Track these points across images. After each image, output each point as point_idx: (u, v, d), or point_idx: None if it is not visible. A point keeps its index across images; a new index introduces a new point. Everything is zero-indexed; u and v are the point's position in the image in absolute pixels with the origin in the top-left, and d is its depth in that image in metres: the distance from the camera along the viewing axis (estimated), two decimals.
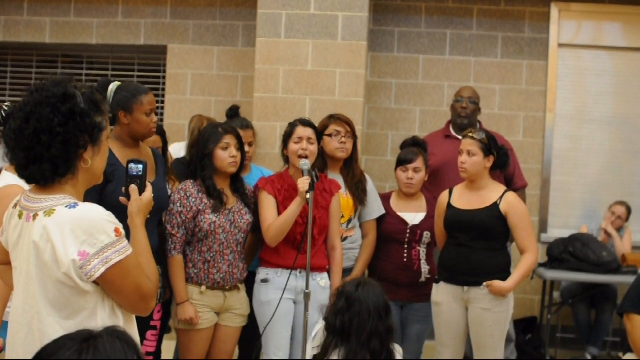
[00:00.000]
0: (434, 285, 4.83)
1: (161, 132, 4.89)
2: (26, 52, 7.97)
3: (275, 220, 4.37)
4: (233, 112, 5.09)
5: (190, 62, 7.63)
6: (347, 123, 4.95)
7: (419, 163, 5.01)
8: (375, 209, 5.02)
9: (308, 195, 4.18)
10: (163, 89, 7.76)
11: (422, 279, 4.99)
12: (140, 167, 2.80)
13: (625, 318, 4.25)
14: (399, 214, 5.02)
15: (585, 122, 7.56)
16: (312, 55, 6.68)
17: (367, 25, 6.73)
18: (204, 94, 7.55)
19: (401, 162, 5.05)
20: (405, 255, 4.99)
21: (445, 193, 4.88)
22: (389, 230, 4.99)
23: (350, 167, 4.98)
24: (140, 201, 2.73)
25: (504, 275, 4.66)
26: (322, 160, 4.87)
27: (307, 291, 4.16)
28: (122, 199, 2.79)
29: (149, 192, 2.77)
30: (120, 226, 2.43)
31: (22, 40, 7.78)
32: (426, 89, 7.50)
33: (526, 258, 4.66)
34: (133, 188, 2.75)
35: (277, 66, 6.70)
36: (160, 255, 4.22)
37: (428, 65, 7.51)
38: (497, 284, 4.56)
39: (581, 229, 7.13)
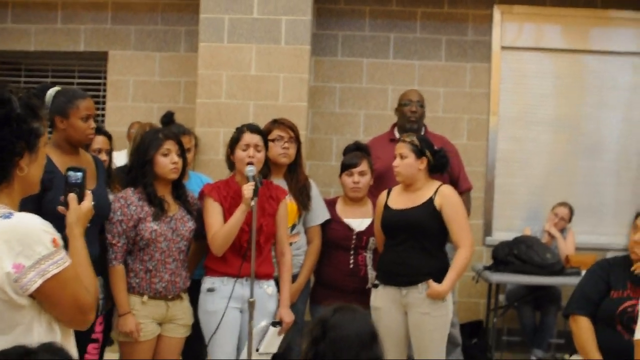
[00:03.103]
0: (373, 290, 4.77)
1: (108, 135, 4.78)
2: None
3: (220, 229, 4.29)
4: (168, 119, 4.99)
5: (131, 68, 7.54)
6: (291, 128, 4.90)
7: (364, 167, 4.98)
8: (319, 214, 4.97)
9: (253, 202, 4.12)
10: (104, 96, 7.64)
11: (369, 285, 4.92)
12: (80, 175, 2.72)
13: (571, 319, 4.27)
14: (345, 220, 4.97)
15: (528, 124, 7.60)
16: (255, 60, 6.63)
17: (310, 29, 6.69)
18: (146, 101, 7.46)
19: (346, 167, 5.01)
20: (352, 261, 4.95)
21: (384, 194, 4.86)
22: (335, 237, 4.95)
23: (294, 172, 4.94)
24: (79, 210, 2.65)
25: (441, 277, 4.59)
26: (266, 166, 4.79)
27: (251, 300, 4.11)
28: (60, 208, 2.71)
29: (88, 201, 2.69)
30: (58, 236, 2.34)
31: None
32: (370, 93, 7.48)
33: (460, 254, 4.61)
34: (72, 196, 2.66)
35: (220, 71, 6.64)
36: (102, 265, 4.12)
37: (372, 68, 7.49)
38: (434, 285, 4.53)
39: (525, 231, 7.15)
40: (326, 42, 7.46)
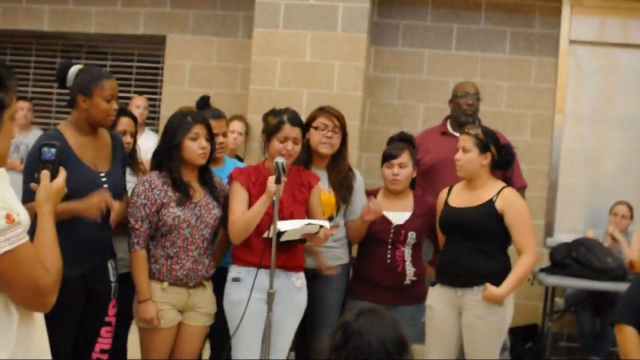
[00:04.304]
0: (430, 288, 4.62)
1: (133, 117, 4.69)
2: (25, 40, 7.88)
3: (240, 216, 4.15)
4: (203, 103, 4.89)
5: (189, 52, 7.50)
6: (336, 116, 4.71)
7: (404, 158, 4.78)
8: (360, 208, 4.78)
9: (274, 197, 3.94)
10: (161, 80, 7.62)
11: (407, 281, 4.76)
12: (54, 150, 2.63)
13: (617, 329, 4.00)
14: (384, 213, 4.78)
15: (595, 121, 7.29)
16: (310, 47, 6.54)
17: (368, 17, 6.56)
18: (202, 86, 7.38)
19: (386, 158, 4.83)
20: (389, 255, 4.75)
21: (445, 191, 4.67)
22: (372, 230, 4.77)
23: (336, 163, 4.76)
24: (49, 187, 2.54)
25: (501, 279, 4.38)
26: (307, 154, 4.66)
27: (270, 291, 3.95)
28: (32, 185, 2.62)
29: (60, 179, 2.58)
30: (15, 212, 2.22)
31: (21, 28, 7.69)
32: (431, 85, 7.27)
33: (522, 260, 4.40)
34: (44, 173, 2.56)
35: (274, 57, 6.56)
36: (113, 248, 4.09)
37: (433, 60, 7.29)
38: (491, 289, 4.33)
39: (587, 234, 6.86)
40: (387, 32, 7.27)
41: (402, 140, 4.94)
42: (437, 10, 7.26)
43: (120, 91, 7.41)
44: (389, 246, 4.76)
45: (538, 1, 7.16)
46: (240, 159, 5.88)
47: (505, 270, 4.43)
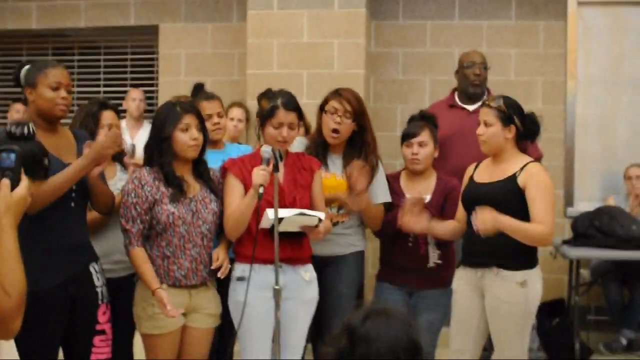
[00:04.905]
0: (456, 270, 4.41)
1: (115, 109, 4.45)
2: (15, 39, 7.71)
3: (233, 211, 3.91)
4: (197, 91, 4.72)
5: (183, 41, 7.30)
6: (348, 100, 4.39)
7: (424, 137, 4.56)
8: (379, 193, 4.53)
9: (261, 190, 3.72)
10: (157, 71, 7.43)
11: (431, 263, 4.56)
12: (13, 156, 2.32)
13: None
14: (406, 194, 4.56)
15: (610, 85, 7.02)
16: (307, 27, 6.33)
17: None
18: (199, 74, 7.11)
19: (405, 137, 4.62)
20: (410, 238, 4.53)
21: (472, 166, 4.43)
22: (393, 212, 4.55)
23: (359, 151, 4.46)
24: (9, 198, 2.24)
25: (522, 259, 4.14)
26: (322, 141, 4.41)
27: (276, 287, 3.73)
28: None
29: (22, 187, 2.28)
30: None
31: (9, 27, 7.52)
32: (435, 57, 7.01)
33: (534, 226, 4.05)
34: (4, 182, 2.26)
35: (270, 40, 6.37)
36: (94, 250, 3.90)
37: (436, 31, 7.03)
38: (482, 209, 4.01)
39: (608, 201, 6.60)
40: (386, 6, 7.02)
41: (423, 119, 4.72)
42: None
43: (116, 85, 7.44)
44: None
45: None
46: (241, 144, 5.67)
47: (527, 249, 4.15)
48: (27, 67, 3.72)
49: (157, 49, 7.40)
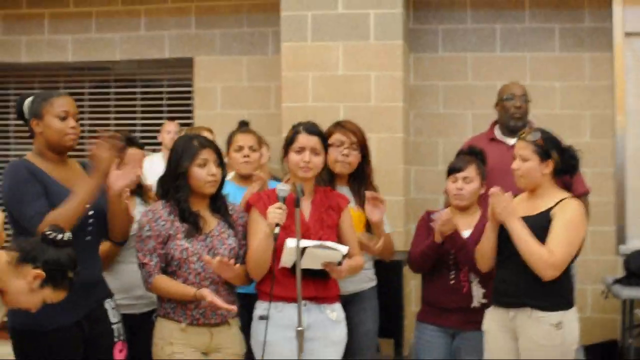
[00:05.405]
0: (486, 310, 4.20)
1: (141, 147, 4.40)
2: (51, 72, 7.71)
3: (251, 251, 3.78)
4: (242, 126, 4.89)
5: (218, 73, 7.23)
6: (353, 132, 4.39)
7: (470, 172, 4.42)
8: (386, 222, 4.47)
9: (277, 230, 3.58)
10: (192, 104, 7.38)
11: (475, 303, 4.38)
12: None
13: None
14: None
15: None
16: (342, 59, 6.20)
17: (402, 23, 6.19)
18: (234, 107, 7.13)
19: (450, 172, 4.50)
20: (452, 276, 4.39)
21: None
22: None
23: (361, 182, 4.45)
24: None
25: (557, 299, 3.92)
26: (328, 172, 4.32)
27: (299, 329, 3.56)
28: None
29: None
30: None
31: (45, 60, 7.53)
32: (477, 90, 6.83)
33: (543, 249, 3.84)
34: None
35: (305, 72, 6.24)
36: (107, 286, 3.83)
37: (477, 64, 6.85)
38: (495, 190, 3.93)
39: None
40: (425, 38, 6.88)
41: (471, 154, 4.59)
42: (476, 11, 6.83)
43: (152, 118, 7.35)
44: (452, 266, 4.41)
45: None
46: (278, 179, 5.57)
47: (563, 288, 3.96)
48: (30, 98, 3.65)
49: (192, 82, 7.36)
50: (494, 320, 4.10)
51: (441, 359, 4.43)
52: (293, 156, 3.90)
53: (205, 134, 4.96)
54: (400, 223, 6.09)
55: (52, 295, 2.95)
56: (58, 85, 7.63)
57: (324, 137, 4.04)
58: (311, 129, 3.96)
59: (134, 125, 7.48)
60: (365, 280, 4.42)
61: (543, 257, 3.84)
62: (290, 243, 3.63)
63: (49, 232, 2.86)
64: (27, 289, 2.90)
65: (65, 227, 3.32)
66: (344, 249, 3.75)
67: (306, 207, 3.86)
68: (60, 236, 2.89)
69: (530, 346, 3.94)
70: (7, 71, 7.73)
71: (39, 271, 2.86)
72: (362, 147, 4.43)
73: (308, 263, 3.68)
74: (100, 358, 3.68)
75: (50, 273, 2.74)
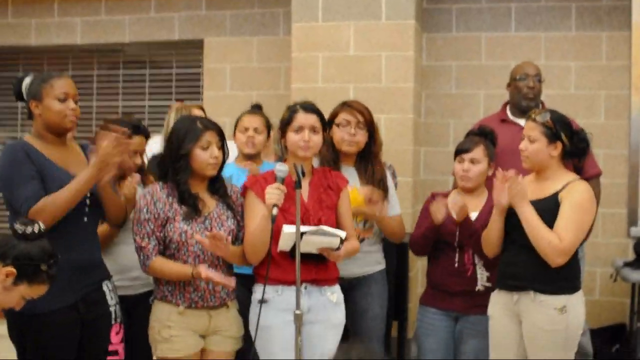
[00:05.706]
0: (491, 294, 4.14)
1: (147, 135, 4.31)
2: (60, 54, 7.67)
3: (248, 234, 3.71)
4: (254, 109, 4.91)
5: (228, 55, 7.16)
6: (360, 111, 4.32)
7: (477, 153, 4.35)
8: (393, 204, 4.46)
9: (275, 211, 3.51)
10: (202, 86, 7.32)
11: (479, 286, 4.32)
12: None
13: None
14: (452, 213, 4.30)
15: None
16: (353, 39, 6.11)
17: (414, 2, 6.08)
18: (244, 89, 7.06)
19: (457, 152, 4.44)
20: (457, 259, 4.34)
21: None
22: (440, 231, 4.35)
23: (367, 161, 4.39)
24: None
25: (562, 282, 3.85)
26: (334, 152, 4.29)
27: (297, 312, 3.48)
28: None
29: None
30: None
31: (55, 43, 7.50)
32: (491, 71, 6.70)
33: (552, 234, 3.77)
34: None
35: (315, 53, 6.16)
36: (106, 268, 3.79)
37: (492, 43, 6.72)
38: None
39: None
40: (438, 17, 6.75)
41: (481, 135, 4.52)
42: None
43: (161, 99, 7.28)
44: (457, 249, 4.35)
45: None
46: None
47: (568, 272, 3.89)
48: (28, 79, 3.60)
49: (202, 63, 7.30)
50: (498, 303, 4.05)
51: (444, 342, 4.39)
52: (292, 136, 3.83)
53: (197, 112, 4.91)
54: (409, 204, 6.02)
55: (29, 290, 2.92)
56: (67, 68, 7.60)
57: (322, 116, 3.96)
58: (309, 107, 3.90)
59: (142, 106, 7.44)
60: (372, 263, 4.38)
61: (552, 244, 3.77)
62: (287, 229, 3.57)
63: (18, 227, 2.82)
64: (0, 288, 2.85)
65: (56, 215, 3.30)
66: (342, 234, 3.68)
67: (304, 187, 3.79)
68: (30, 229, 2.84)
69: (533, 331, 3.88)
70: (17, 54, 7.71)
71: (9, 268, 2.82)
72: (369, 126, 4.37)
73: (306, 248, 3.62)
74: (97, 340, 3.66)
75: (22, 269, 2.68)
